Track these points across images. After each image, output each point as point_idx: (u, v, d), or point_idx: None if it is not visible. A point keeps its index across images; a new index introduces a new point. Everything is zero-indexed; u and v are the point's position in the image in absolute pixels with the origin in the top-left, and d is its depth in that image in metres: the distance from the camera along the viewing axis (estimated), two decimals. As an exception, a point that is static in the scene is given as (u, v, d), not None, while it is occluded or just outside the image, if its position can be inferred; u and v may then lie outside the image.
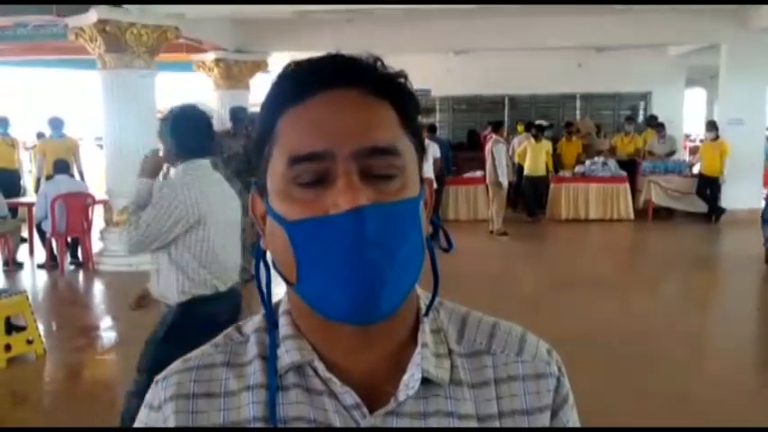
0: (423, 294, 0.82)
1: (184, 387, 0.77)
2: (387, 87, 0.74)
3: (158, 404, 0.78)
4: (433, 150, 9.90)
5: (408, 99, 0.76)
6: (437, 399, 0.76)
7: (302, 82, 0.72)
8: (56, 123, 10.26)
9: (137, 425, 0.80)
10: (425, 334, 0.78)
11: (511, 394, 0.79)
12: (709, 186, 11.39)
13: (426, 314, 0.80)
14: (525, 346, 0.83)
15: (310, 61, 0.74)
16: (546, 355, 0.83)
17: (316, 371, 0.75)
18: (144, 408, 0.80)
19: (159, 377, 0.80)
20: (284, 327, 0.78)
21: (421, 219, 0.74)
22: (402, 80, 0.76)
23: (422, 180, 0.77)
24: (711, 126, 11.68)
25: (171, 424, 0.76)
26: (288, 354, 0.76)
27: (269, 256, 0.77)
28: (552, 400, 0.81)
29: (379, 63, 0.75)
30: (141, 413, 0.80)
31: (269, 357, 0.77)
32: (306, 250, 0.69)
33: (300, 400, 0.74)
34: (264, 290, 0.79)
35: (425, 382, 0.75)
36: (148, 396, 0.80)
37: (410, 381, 0.75)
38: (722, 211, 11.38)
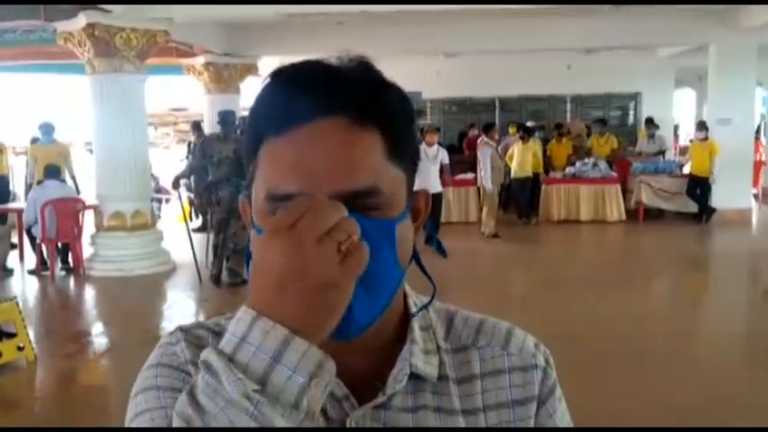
0: (413, 294, 0.83)
1: (204, 341, 0.78)
2: (374, 111, 0.70)
3: (176, 340, 0.79)
4: (443, 156, 9.82)
5: (399, 118, 0.72)
6: (424, 394, 0.77)
7: (283, 110, 0.69)
8: (46, 128, 10.20)
9: (154, 356, 0.78)
10: (414, 331, 0.79)
11: (496, 387, 0.80)
12: (698, 186, 11.44)
13: (415, 314, 0.80)
14: (512, 338, 0.83)
15: (296, 78, 0.70)
16: (533, 347, 0.84)
17: None
18: (160, 346, 0.79)
19: (179, 327, 0.81)
20: None
21: (396, 239, 0.70)
22: (393, 96, 0.72)
23: (413, 194, 0.76)
24: (701, 126, 11.75)
25: (187, 357, 0.77)
26: None
27: None
28: (539, 391, 0.82)
29: (368, 75, 0.71)
30: (158, 350, 0.79)
31: None
32: None
33: None
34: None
35: (414, 377, 0.77)
36: (165, 338, 0.80)
37: (398, 375, 0.76)
38: (712, 210, 11.42)
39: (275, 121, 0.69)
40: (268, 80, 0.72)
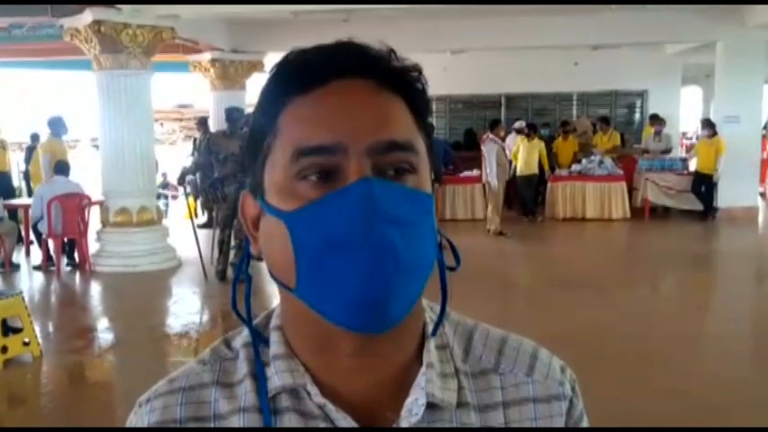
0: (428, 307, 0.76)
1: (171, 411, 0.70)
2: (400, 81, 0.68)
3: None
4: None
5: (421, 97, 0.70)
6: (443, 424, 0.70)
7: (309, 69, 0.65)
8: (62, 124, 10.20)
9: None
10: (430, 352, 0.72)
11: (520, 418, 0.73)
12: (703, 184, 11.40)
13: (434, 333, 0.73)
14: (537, 363, 0.76)
15: (318, 48, 0.67)
16: (559, 374, 0.77)
17: (309, 394, 0.68)
18: None
19: (142, 399, 0.72)
20: (275, 344, 0.71)
21: (434, 219, 0.68)
22: (416, 75, 0.70)
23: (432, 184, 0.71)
24: (707, 124, 11.70)
25: None
26: (278, 376, 0.69)
27: (253, 269, 0.74)
28: (564, 423, 0.75)
29: (392, 54, 0.69)
30: None
31: (258, 380, 0.70)
32: (307, 239, 0.62)
33: (294, 426, 0.68)
34: (245, 303, 0.72)
35: (430, 405, 0.69)
36: (132, 419, 0.72)
37: (413, 406, 0.68)
38: (714, 209, 11.39)
39: (300, 80, 0.66)
40: (287, 55, 0.68)
